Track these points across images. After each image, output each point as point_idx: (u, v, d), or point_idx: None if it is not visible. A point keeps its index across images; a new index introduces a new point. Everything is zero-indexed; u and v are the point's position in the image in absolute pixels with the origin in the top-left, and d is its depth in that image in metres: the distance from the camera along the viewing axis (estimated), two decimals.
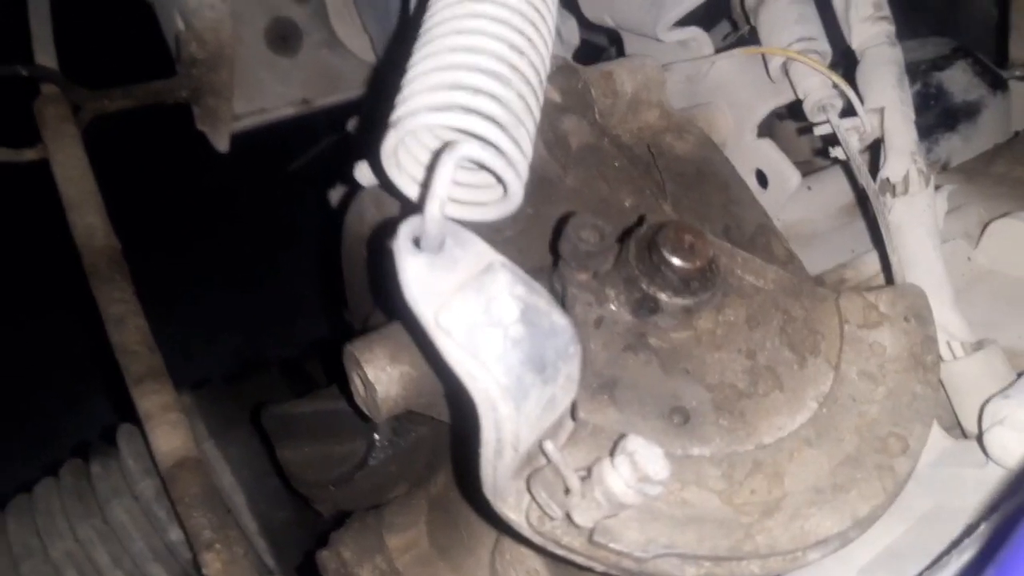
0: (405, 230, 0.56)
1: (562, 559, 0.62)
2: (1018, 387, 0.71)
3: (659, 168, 0.95)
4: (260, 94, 1.50)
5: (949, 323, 0.80)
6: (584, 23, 1.24)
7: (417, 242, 0.57)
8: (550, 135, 0.93)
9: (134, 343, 1.10)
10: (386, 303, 0.91)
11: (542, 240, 0.84)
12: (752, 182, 1.06)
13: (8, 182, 1.51)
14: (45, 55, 1.30)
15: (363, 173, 0.86)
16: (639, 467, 0.55)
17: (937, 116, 1.39)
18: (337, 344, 0.79)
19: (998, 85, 1.43)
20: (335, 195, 1.32)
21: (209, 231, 2.48)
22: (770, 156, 1.02)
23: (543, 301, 0.56)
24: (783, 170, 1.02)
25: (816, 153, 1.23)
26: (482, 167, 0.62)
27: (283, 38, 1.49)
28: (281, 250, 2.32)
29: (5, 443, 1.93)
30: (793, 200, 1.11)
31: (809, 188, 1.16)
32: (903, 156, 0.89)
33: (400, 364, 0.74)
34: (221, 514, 1.02)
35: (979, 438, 0.72)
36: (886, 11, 0.99)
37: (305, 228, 1.92)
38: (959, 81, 1.41)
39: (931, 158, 1.39)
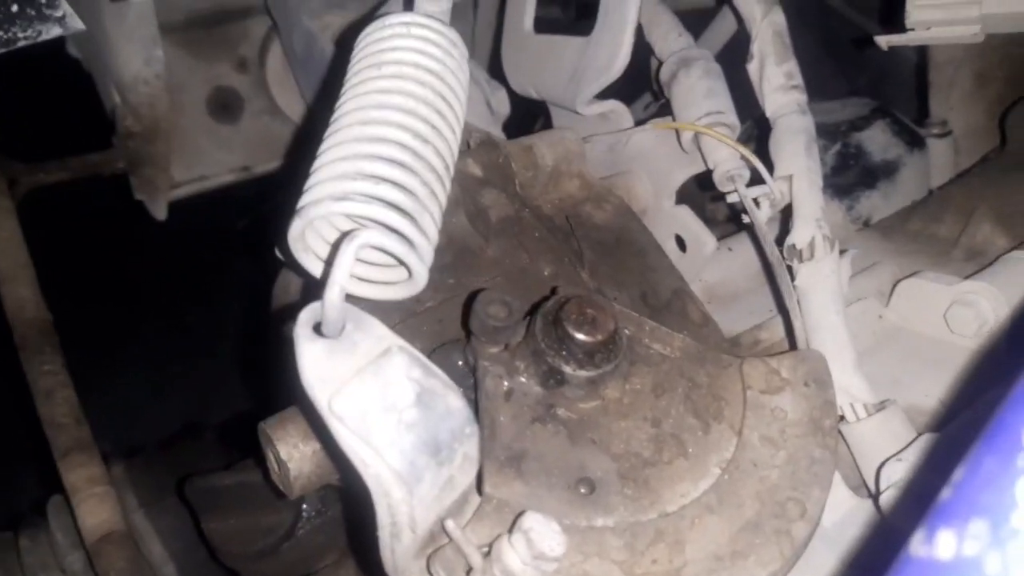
0: (304, 316, 0.58)
1: None
2: (911, 450, 0.74)
3: (577, 237, 0.98)
4: (200, 161, 1.51)
5: (851, 385, 0.83)
6: (514, 93, 1.28)
7: (318, 327, 0.58)
8: (471, 208, 0.96)
9: (61, 415, 1.09)
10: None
11: (459, 311, 0.86)
12: (672, 246, 1.10)
13: None
14: None
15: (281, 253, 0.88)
16: (535, 544, 0.57)
17: (857, 175, 1.45)
18: (259, 416, 0.80)
19: (916, 143, 1.50)
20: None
21: (152, 296, 2.48)
22: (687, 222, 1.06)
23: (439, 383, 0.58)
24: (699, 235, 1.05)
25: (728, 219, 1.28)
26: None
27: (224, 106, 1.52)
28: (226, 312, 2.32)
29: None
30: (714, 261, 1.15)
31: (730, 249, 1.20)
32: (809, 223, 0.93)
33: (313, 442, 0.75)
34: None
35: (875, 499, 0.75)
36: (797, 80, 1.03)
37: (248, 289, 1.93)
38: (878, 140, 1.47)
39: (852, 215, 1.44)
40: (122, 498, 1.12)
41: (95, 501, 1.06)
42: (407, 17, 0.72)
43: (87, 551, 1.06)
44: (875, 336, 1.03)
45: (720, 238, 1.16)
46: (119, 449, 1.30)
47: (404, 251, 0.63)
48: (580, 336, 0.71)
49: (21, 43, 0.71)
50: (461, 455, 0.58)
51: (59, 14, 0.69)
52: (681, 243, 1.09)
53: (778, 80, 1.02)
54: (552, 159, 1.02)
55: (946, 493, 0.36)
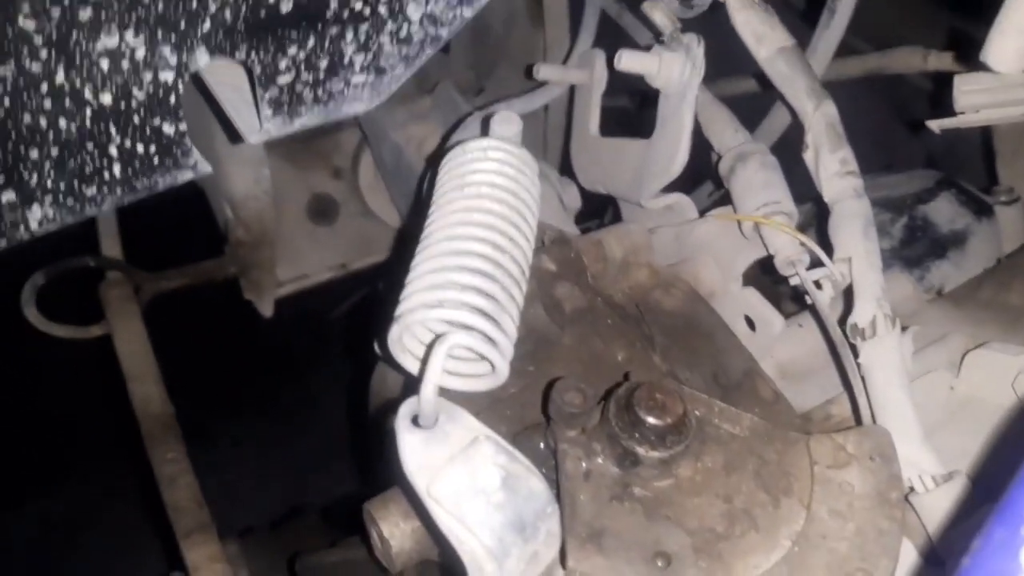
0: (404, 410, 0.67)
1: None
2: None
3: (648, 323, 1.05)
4: (302, 261, 1.66)
5: (918, 458, 0.87)
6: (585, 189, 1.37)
7: (415, 419, 0.67)
8: (548, 300, 1.04)
9: (184, 500, 1.21)
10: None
11: (538, 396, 0.94)
12: (742, 327, 1.15)
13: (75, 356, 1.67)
14: (110, 243, 1.48)
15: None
16: None
17: (926, 246, 1.47)
18: (362, 496, 0.88)
19: (983, 212, 1.52)
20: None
21: (258, 384, 2.65)
22: (753, 303, 1.12)
23: (523, 468, 0.66)
24: (766, 315, 1.11)
25: (794, 300, 1.32)
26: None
27: (322, 212, 1.67)
28: (325, 396, 2.45)
29: None
30: (785, 339, 1.19)
31: (800, 326, 1.25)
32: (870, 302, 0.97)
33: (413, 520, 0.83)
34: None
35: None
36: (852, 166, 1.09)
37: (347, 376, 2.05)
38: (944, 212, 1.50)
39: (924, 285, 1.46)
40: (237, 575, 1.21)
41: None
42: (485, 143, 0.82)
43: None
44: (946, 408, 1.05)
45: (788, 316, 1.21)
46: (230, 532, 1.40)
47: (487, 349, 0.72)
48: (651, 420, 0.77)
49: (160, 188, 0.85)
50: (544, 532, 0.65)
51: (192, 162, 0.83)
52: (751, 323, 1.15)
53: (833, 167, 1.08)
54: (621, 251, 1.10)
55: (965, 561, 0.42)
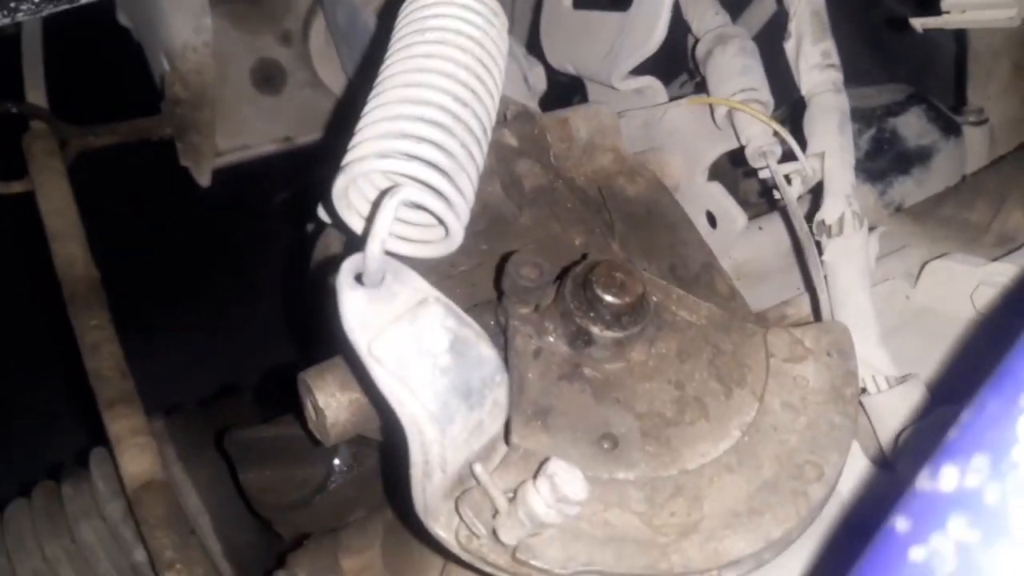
0: (347, 266, 0.61)
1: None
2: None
3: (609, 209, 1.00)
4: (244, 131, 1.56)
5: (874, 358, 0.85)
6: (551, 70, 1.30)
7: (359, 277, 0.61)
8: (506, 177, 0.98)
9: (107, 369, 1.14)
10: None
11: (491, 275, 0.89)
12: (703, 223, 1.11)
13: None
14: (36, 93, 1.36)
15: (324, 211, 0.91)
16: (558, 488, 0.59)
17: (891, 160, 1.45)
18: (296, 371, 0.83)
19: (952, 130, 1.49)
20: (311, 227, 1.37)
21: (193, 263, 2.54)
22: (718, 198, 1.08)
23: (472, 333, 0.61)
24: (730, 211, 1.07)
25: (761, 196, 1.29)
26: (424, 209, 0.67)
27: (268, 78, 1.56)
28: (264, 280, 2.36)
29: None
30: (744, 240, 1.16)
31: (760, 228, 1.22)
32: (839, 199, 0.94)
33: (350, 391, 0.78)
34: (184, 535, 1.05)
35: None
36: (834, 59, 1.04)
37: (286, 258, 1.97)
38: (913, 126, 1.47)
39: (885, 200, 1.44)
40: (162, 451, 1.16)
41: (137, 450, 1.11)
42: None
43: (127, 498, 1.11)
44: (901, 316, 1.04)
45: (751, 218, 1.17)
46: (158, 409, 1.35)
47: (442, 208, 0.66)
48: (608, 298, 0.73)
49: (64, 5, 0.74)
50: (491, 401, 0.60)
51: None
52: (712, 220, 1.11)
53: (814, 59, 1.03)
54: (587, 132, 1.04)
55: (952, 433, 0.39)
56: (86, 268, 1.21)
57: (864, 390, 0.86)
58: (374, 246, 0.60)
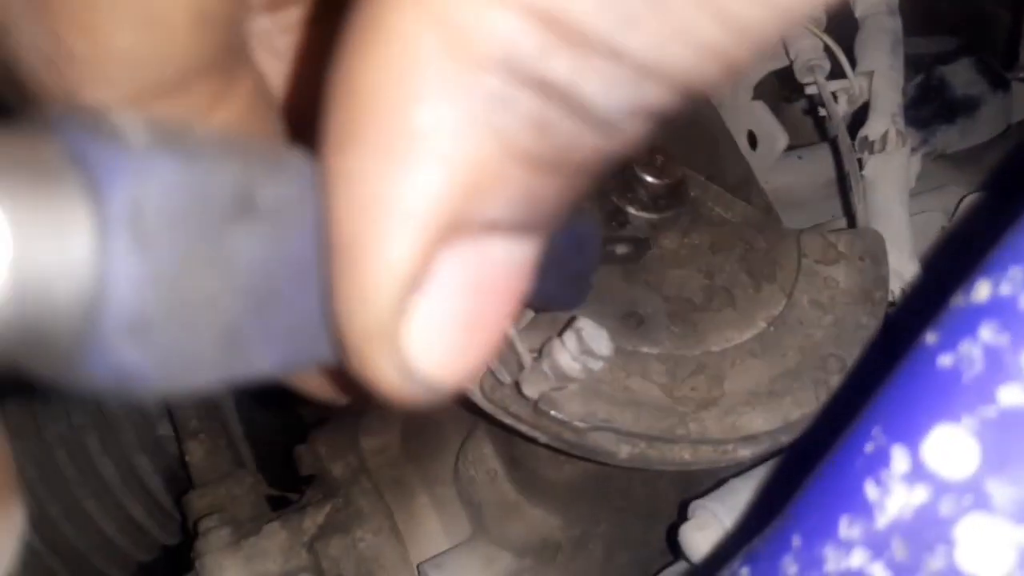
0: None
1: (510, 429, 0.67)
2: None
3: None
4: None
5: (905, 270, 0.85)
6: None
7: None
8: None
9: None
10: None
11: None
12: (743, 143, 1.11)
13: None
14: None
15: None
16: (584, 341, 0.60)
17: (936, 108, 1.42)
18: None
19: (1000, 84, 1.47)
20: None
21: None
22: (761, 117, 1.07)
23: None
24: (772, 131, 1.06)
25: (806, 113, 1.27)
26: None
27: None
28: None
29: None
30: (782, 167, 1.15)
31: (799, 158, 1.21)
32: (884, 116, 0.93)
33: None
34: (209, 407, 1.07)
35: None
36: None
37: None
38: (961, 76, 1.44)
39: (927, 148, 1.43)
40: None
41: None
42: None
43: None
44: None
45: (790, 148, 1.16)
46: None
47: None
48: (647, 178, 0.74)
49: None
50: None
51: None
52: (752, 140, 1.10)
53: None
54: None
55: (990, 253, 0.39)
56: None
57: (892, 304, 0.86)
58: None
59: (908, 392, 0.39)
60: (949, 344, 0.38)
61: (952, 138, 1.44)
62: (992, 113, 1.44)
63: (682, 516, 0.79)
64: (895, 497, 0.38)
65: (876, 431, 0.40)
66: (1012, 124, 1.41)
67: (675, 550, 0.76)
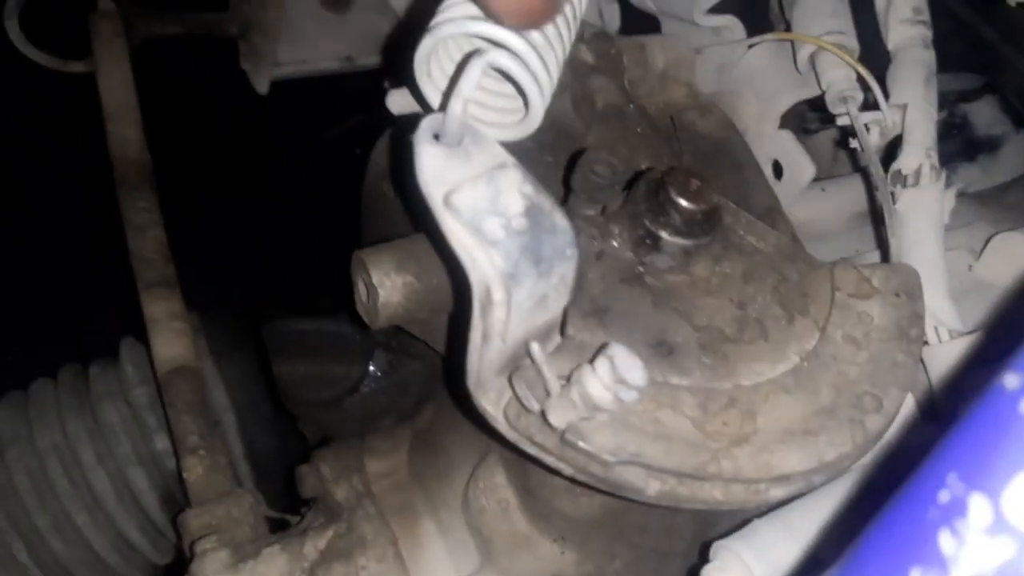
0: (426, 123, 0.60)
1: (532, 459, 0.64)
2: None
3: (679, 140, 0.98)
4: (305, 45, 1.54)
5: (940, 309, 0.82)
6: (626, 8, 1.27)
7: (437, 137, 0.60)
8: (578, 92, 0.96)
9: (151, 251, 1.13)
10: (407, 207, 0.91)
11: (557, 187, 0.87)
12: (768, 173, 1.09)
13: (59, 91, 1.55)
14: None
15: (394, 101, 0.90)
16: (617, 369, 0.57)
17: (958, 145, 1.41)
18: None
19: (1022, 123, 1.46)
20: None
21: (243, 167, 2.55)
22: (788, 146, 1.05)
23: (548, 202, 0.59)
24: (799, 160, 1.04)
25: (837, 144, 1.25)
26: (508, 79, 0.65)
27: None
28: (315, 191, 2.34)
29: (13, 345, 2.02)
30: (806, 199, 1.13)
31: (823, 190, 1.19)
32: (918, 149, 0.91)
33: (405, 274, 0.77)
34: (209, 423, 1.04)
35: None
36: (925, 16, 1.01)
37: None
38: (984, 114, 1.43)
39: (948, 184, 1.41)
40: (194, 343, 1.16)
41: (172, 335, 1.10)
42: None
43: (157, 382, 1.10)
44: (962, 286, 1.01)
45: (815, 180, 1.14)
46: (194, 308, 1.33)
47: (529, 80, 0.64)
48: (683, 202, 0.71)
49: None
50: (558, 275, 0.58)
51: None
52: (778, 170, 1.08)
53: (905, 13, 1.00)
54: (663, 62, 1.02)
55: None
56: (139, 151, 1.20)
57: (926, 342, 0.83)
58: (456, 105, 0.58)
59: (986, 437, 0.37)
60: None
61: (974, 176, 1.42)
62: (1014, 153, 1.43)
63: (703, 557, 0.76)
64: (973, 550, 0.35)
65: (951, 478, 0.37)
66: None
67: None
